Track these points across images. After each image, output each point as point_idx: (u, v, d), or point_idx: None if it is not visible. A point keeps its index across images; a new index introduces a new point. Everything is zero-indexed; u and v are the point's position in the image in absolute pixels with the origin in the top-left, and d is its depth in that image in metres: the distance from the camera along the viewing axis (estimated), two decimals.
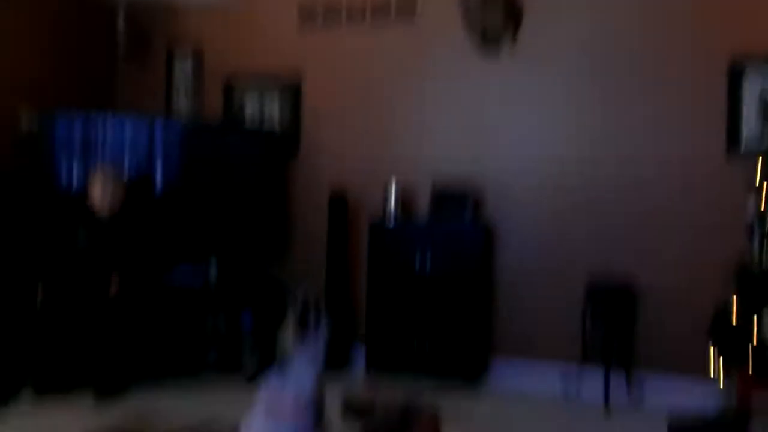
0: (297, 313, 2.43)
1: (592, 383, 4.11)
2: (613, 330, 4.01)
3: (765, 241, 3.41)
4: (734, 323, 3.41)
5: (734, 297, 3.46)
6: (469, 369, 4.28)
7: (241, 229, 4.52)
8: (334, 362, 4.39)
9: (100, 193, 3.90)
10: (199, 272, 4.34)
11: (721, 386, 3.47)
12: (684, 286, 4.05)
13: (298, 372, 2.37)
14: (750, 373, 3.28)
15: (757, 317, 3.30)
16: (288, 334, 2.41)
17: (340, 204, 4.44)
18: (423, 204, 4.56)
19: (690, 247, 4.06)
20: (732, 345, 3.40)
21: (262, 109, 4.90)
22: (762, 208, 3.44)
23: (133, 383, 3.92)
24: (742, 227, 3.59)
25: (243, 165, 4.55)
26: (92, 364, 3.83)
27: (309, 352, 2.40)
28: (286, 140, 4.83)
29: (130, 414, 3.52)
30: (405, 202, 4.50)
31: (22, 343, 3.80)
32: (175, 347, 4.20)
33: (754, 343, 3.23)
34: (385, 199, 4.41)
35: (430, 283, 4.27)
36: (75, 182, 4.21)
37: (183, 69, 5.13)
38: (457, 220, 4.32)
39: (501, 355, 4.43)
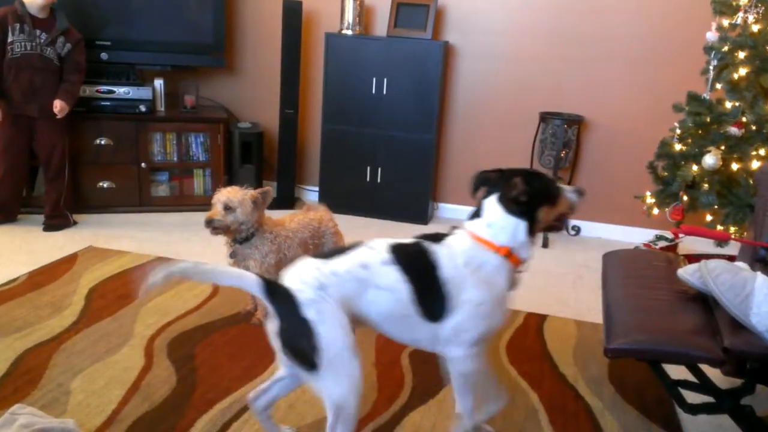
0: None
1: None
2: (562, 151, 4.00)
3: (720, 65, 3.26)
4: (675, 149, 3.37)
5: (677, 123, 3.39)
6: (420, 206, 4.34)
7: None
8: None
9: None
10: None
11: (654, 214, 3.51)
12: (632, 119, 4.03)
13: None
14: (684, 203, 3.31)
15: (699, 146, 3.25)
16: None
17: (295, 10, 4.19)
18: (382, 21, 4.35)
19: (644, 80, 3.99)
20: (671, 174, 3.39)
21: None
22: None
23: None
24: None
25: None
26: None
27: None
28: None
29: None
30: (364, 19, 4.28)
31: None
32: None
33: (694, 171, 3.20)
34: (342, 11, 4.18)
35: (387, 101, 4.18)
36: None
37: None
38: (417, 31, 4.13)
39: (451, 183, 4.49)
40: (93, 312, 2.73)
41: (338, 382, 1.58)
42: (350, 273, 1.65)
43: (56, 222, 3.75)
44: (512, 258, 1.75)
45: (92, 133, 4.00)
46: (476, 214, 1.79)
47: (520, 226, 1.74)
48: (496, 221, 1.74)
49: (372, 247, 1.72)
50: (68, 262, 3.26)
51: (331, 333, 1.56)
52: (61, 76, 3.65)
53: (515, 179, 1.74)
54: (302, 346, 1.55)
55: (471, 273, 1.70)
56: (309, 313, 1.55)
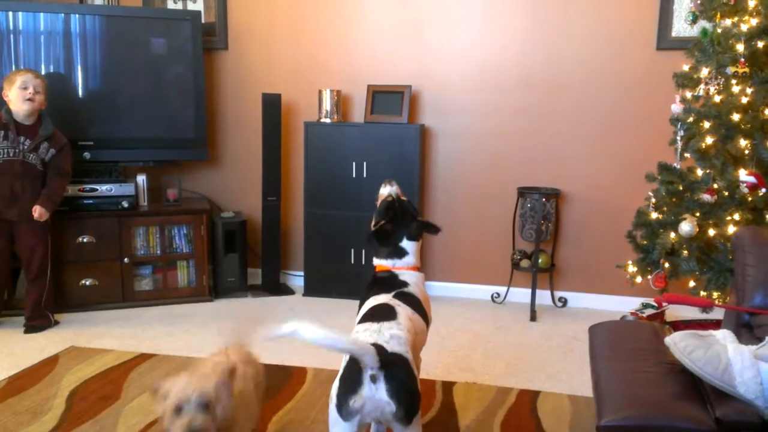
0: None
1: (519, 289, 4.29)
2: (542, 223, 4.05)
3: (687, 134, 3.37)
4: (652, 218, 3.42)
5: (651, 192, 3.47)
6: None
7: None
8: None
9: (19, 94, 3.54)
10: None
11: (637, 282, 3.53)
12: (608, 190, 4.14)
13: None
14: (665, 270, 3.33)
15: (675, 214, 3.31)
16: None
17: (273, 102, 4.31)
18: (359, 110, 4.48)
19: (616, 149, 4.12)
20: (650, 242, 3.43)
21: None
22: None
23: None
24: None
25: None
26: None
27: None
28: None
29: None
30: (341, 107, 4.41)
31: None
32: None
33: (672, 239, 3.24)
34: (320, 102, 4.31)
35: (368, 184, 4.25)
36: None
37: None
38: (393, 116, 4.25)
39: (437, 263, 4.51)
40: (74, 415, 2.65)
41: (419, 423, 1.91)
42: (404, 326, 2.00)
43: (37, 323, 3.69)
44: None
45: (75, 232, 4.00)
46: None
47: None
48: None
49: (387, 302, 2.15)
50: (49, 364, 3.19)
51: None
52: (44, 180, 3.68)
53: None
54: (415, 399, 1.85)
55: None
56: (415, 370, 1.89)
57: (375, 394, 1.78)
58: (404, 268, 2.37)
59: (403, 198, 2.49)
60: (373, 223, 2.44)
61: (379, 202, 2.50)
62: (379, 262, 2.40)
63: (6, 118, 3.56)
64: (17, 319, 3.76)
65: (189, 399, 1.67)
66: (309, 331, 1.69)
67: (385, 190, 2.50)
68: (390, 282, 2.31)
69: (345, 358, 1.90)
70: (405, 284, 2.30)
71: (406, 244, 2.39)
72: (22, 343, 3.47)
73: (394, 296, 2.21)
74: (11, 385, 2.94)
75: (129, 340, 3.56)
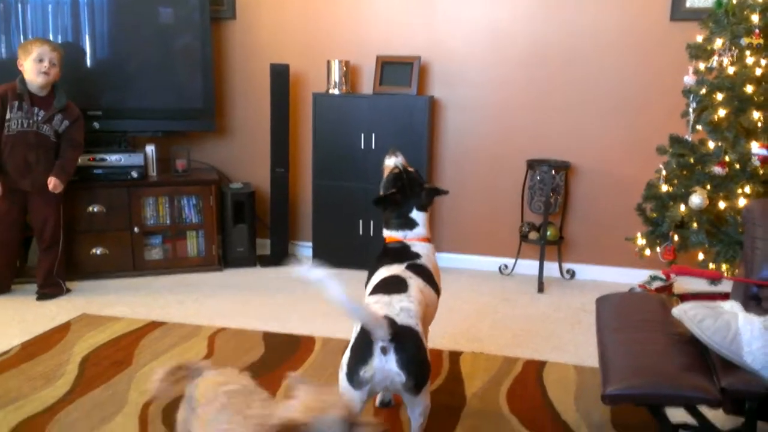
0: None
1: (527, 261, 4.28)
2: (551, 197, 4.04)
3: (699, 107, 3.33)
4: (662, 190, 3.40)
5: (662, 165, 3.45)
6: None
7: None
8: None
9: (34, 67, 3.52)
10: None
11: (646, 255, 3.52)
12: (618, 162, 4.11)
13: None
14: (674, 243, 3.32)
15: (685, 187, 3.29)
16: None
17: (282, 73, 4.29)
18: (368, 81, 4.45)
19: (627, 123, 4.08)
20: (660, 214, 3.42)
21: None
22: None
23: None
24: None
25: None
26: None
27: None
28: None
29: None
30: (350, 78, 4.38)
31: None
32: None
33: (682, 212, 3.23)
34: (329, 72, 4.28)
35: (376, 155, 4.24)
36: None
37: None
38: (402, 87, 4.22)
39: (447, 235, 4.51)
40: (86, 381, 2.70)
41: (428, 393, 1.96)
42: (414, 298, 2.03)
43: (49, 291, 3.73)
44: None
45: (85, 201, 4.02)
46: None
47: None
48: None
49: (399, 274, 2.16)
50: (61, 331, 3.24)
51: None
52: (57, 152, 3.69)
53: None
54: (425, 370, 1.90)
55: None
56: (424, 342, 1.94)
57: (385, 365, 1.82)
58: (416, 240, 2.37)
59: (410, 168, 2.49)
60: (381, 194, 2.44)
61: (385, 174, 2.50)
62: (389, 234, 2.41)
63: (20, 88, 3.55)
64: (29, 287, 3.81)
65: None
66: (334, 289, 1.69)
67: (391, 161, 2.49)
68: (402, 253, 2.32)
69: (356, 329, 1.92)
70: (417, 256, 2.31)
71: (416, 215, 2.40)
72: (34, 311, 3.52)
73: (407, 268, 2.23)
74: (24, 350, 2.99)
75: (140, 308, 3.60)
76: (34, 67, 3.52)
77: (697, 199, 3.12)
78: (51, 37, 4.04)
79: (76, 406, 2.49)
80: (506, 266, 4.37)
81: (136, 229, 4.16)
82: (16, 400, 2.52)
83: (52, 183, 3.60)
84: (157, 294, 3.86)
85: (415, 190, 2.41)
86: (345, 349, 1.95)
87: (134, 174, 4.15)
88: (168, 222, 4.27)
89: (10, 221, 3.66)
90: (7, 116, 3.54)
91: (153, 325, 3.31)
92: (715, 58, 3.27)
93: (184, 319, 3.41)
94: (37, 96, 3.60)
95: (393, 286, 2.07)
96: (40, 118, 3.59)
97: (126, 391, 2.61)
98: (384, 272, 2.20)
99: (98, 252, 4.08)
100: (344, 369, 1.88)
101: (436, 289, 2.30)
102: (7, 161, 3.57)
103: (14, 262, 3.82)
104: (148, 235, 4.25)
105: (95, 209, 4.03)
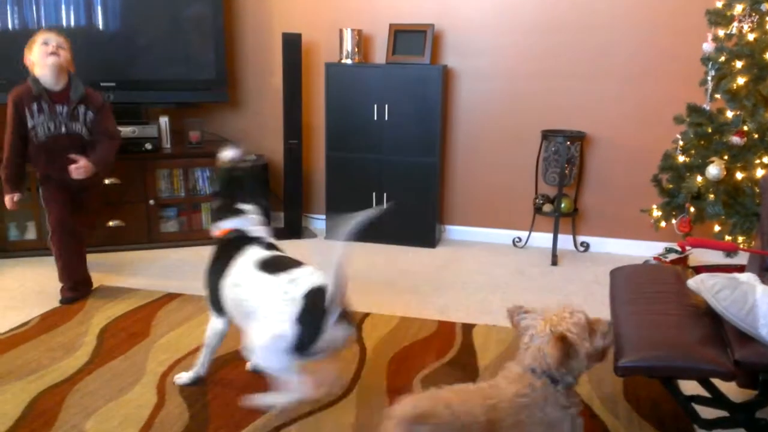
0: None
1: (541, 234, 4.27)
2: (566, 168, 4.01)
3: (718, 75, 3.27)
4: (679, 161, 3.36)
5: (679, 135, 3.40)
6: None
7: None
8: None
9: (41, 51, 3.18)
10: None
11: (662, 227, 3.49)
12: (634, 133, 4.05)
13: None
14: (690, 215, 3.29)
15: (702, 157, 3.25)
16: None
17: (294, 42, 4.25)
18: (380, 50, 4.41)
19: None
20: (676, 185, 3.38)
21: None
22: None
23: None
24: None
25: None
26: None
27: None
28: None
29: None
30: (363, 47, 4.34)
31: None
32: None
33: (698, 182, 3.19)
34: (341, 42, 4.24)
35: (389, 127, 4.22)
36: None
37: None
38: (415, 56, 4.19)
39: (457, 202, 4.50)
40: (105, 351, 2.75)
41: None
42: None
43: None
44: None
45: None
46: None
47: None
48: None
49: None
50: (79, 302, 3.29)
51: None
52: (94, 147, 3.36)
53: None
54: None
55: None
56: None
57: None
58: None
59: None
60: None
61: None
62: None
63: (36, 88, 3.18)
64: (48, 258, 3.85)
65: None
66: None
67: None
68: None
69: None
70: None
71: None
72: (53, 282, 3.56)
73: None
74: (43, 322, 3.04)
75: (156, 280, 3.64)
76: (41, 52, 3.16)
77: (714, 170, 3.08)
78: (63, 9, 4.03)
79: (95, 376, 2.54)
80: (520, 239, 4.36)
81: (151, 202, 4.18)
82: (36, 370, 2.57)
83: (82, 163, 3.22)
84: (173, 266, 3.90)
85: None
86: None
87: (148, 146, 4.16)
88: (183, 194, 4.30)
89: (61, 201, 3.37)
90: (30, 123, 3.20)
91: (169, 297, 3.35)
92: (735, 24, 3.20)
93: (200, 291, 3.44)
94: (54, 92, 3.23)
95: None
96: (63, 115, 3.25)
97: (144, 362, 2.66)
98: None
99: (114, 224, 4.12)
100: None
101: None
102: (47, 169, 3.31)
103: (84, 251, 3.54)
104: (163, 207, 4.28)
105: (110, 181, 4.06)
